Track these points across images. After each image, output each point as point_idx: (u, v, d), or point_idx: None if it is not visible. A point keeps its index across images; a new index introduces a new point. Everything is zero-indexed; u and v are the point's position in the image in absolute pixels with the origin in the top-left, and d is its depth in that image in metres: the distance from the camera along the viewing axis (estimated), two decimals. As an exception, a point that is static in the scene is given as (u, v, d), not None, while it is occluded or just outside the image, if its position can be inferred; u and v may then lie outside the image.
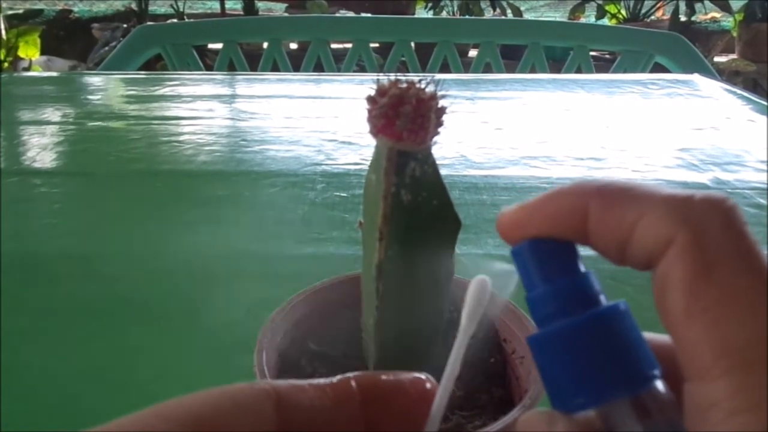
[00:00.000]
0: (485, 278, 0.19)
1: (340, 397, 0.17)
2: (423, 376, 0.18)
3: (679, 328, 0.16)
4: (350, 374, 0.18)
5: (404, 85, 0.23)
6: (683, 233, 0.16)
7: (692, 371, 0.15)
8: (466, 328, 0.19)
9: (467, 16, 3.49)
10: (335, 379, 0.17)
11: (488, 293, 0.19)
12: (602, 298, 0.18)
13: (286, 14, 3.79)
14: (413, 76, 0.24)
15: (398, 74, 0.24)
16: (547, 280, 0.18)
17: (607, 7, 3.89)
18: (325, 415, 0.17)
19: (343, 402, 0.17)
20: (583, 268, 0.18)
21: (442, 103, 0.23)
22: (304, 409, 0.16)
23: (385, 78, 0.23)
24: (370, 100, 0.23)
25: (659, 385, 0.17)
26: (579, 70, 1.44)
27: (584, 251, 0.19)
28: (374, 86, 0.23)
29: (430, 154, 0.25)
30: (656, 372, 0.17)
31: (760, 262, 0.15)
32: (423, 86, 0.23)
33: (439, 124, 0.24)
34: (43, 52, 3.37)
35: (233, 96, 1.13)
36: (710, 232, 0.16)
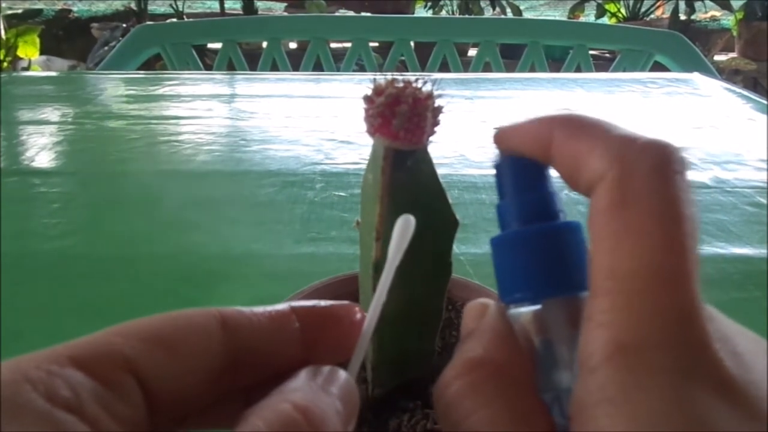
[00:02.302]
0: (410, 216, 0.21)
1: (279, 321, 0.19)
2: (356, 307, 0.20)
3: (590, 255, 0.17)
4: (289, 302, 0.20)
5: (401, 85, 0.23)
6: (614, 170, 0.17)
7: (589, 292, 0.17)
8: (392, 259, 0.20)
9: (466, 15, 3.49)
10: (276, 306, 0.19)
11: (412, 228, 0.21)
12: (561, 216, 0.20)
13: (285, 14, 3.78)
14: (410, 76, 0.24)
15: (395, 74, 0.24)
16: (515, 192, 0.20)
17: (606, 6, 3.89)
18: (265, 337, 0.19)
19: (282, 326, 0.19)
20: (550, 188, 0.20)
21: (438, 102, 0.23)
22: (246, 331, 0.18)
23: (382, 77, 0.23)
24: (367, 99, 0.23)
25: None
26: (578, 69, 1.44)
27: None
28: (371, 86, 0.23)
29: (426, 153, 0.25)
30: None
31: (674, 206, 0.16)
32: (420, 86, 0.23)
33: (436, 123, 0.24)
34: (42, 52, 3.37)
35: (232, 95, 1.13)
36: (637, 172, 0.17)
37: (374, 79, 0.23)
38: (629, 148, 0.17)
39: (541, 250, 0.19)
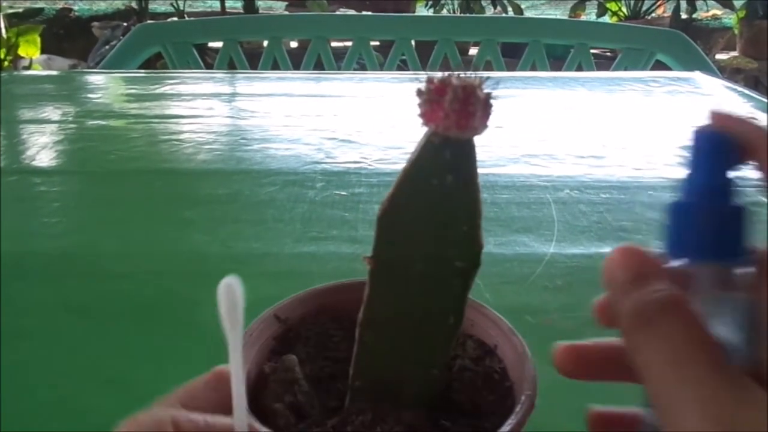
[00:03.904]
0: (232, 279, 0.21)
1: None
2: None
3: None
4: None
5: (451, 76, 0.23)
6: None
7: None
8: (233, 339, 0.21)
9: (467, 14, 3.48)
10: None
11: (240, 294, 0.21)
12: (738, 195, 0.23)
13: (286, 12, 3.78)
14: (463, 74, 0.23)
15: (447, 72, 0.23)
16: (710, 168, 0.23)
17: (607, 5, 3.88)
18: None
19: None
20: (734, 170, 0.23)
21: (491, 100, 0.23)
22: None
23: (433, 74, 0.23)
24: (419, 92, 0.23)
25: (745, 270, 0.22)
26: (580, 68, 1.44)
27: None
28: (422, 82, 0.23)
29: (471, 149, 0.24)
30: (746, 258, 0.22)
31: None
32: (472, 80, 0.23)
33: (486, 116, 0.23)
34: (43, 51, 3.36)
35: (233, 94, 1.13)
36: None
37: (426, 76, 0.23)
38: None
39: (717, 223, 0.22)
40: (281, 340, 0.31)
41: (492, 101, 0.23)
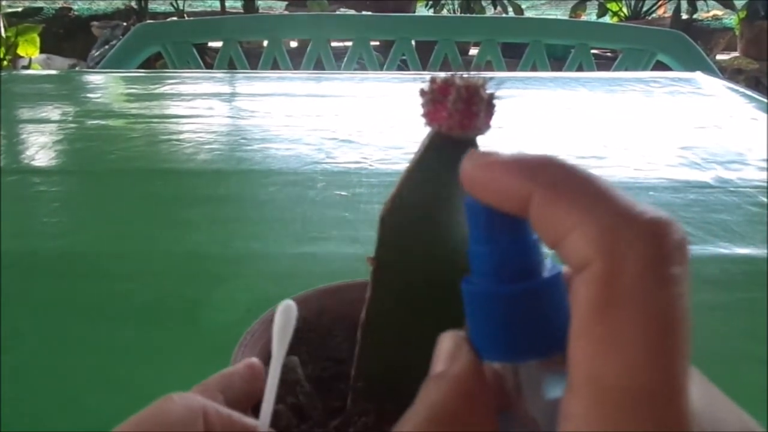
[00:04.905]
0: (291, 303, 0.22)
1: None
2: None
3: (569, 343, 0.16)
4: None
5: (455, 76, 0.23)
6: (599, 262, 0.15)
7: (567, 385, 0.16)
8: (277, 352, 0.23)
9: (468, 14, 3.48)
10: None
11: (294, 317, 0.22)
12: (542, 266, 0.18)
13: (286, 12, 3.78)
14: (466, 74, 0.23)
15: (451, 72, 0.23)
16: (491, 239, 0.18)
17: (608, 5, 3.88)
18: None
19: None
20: (528, 235, 0.18)
21: (495, 100, 0.23)
22: None
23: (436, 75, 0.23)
24: (422, 92, 0.23)
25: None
26: (580, 69, 1.44)
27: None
28: (425, 82, 0.23)
29: (475, 148, 0.24)
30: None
31: (666, 312, 0.15)
32: (475, 80, 0.23)
33: (490, 116, 0.23)
34: (42, 51, 3.36)
35: (233, 94, 1.13)
36: (627, 269, 0.15)
37: (430, 77, 0.23)
38: (620, 236, 0.15)
39: (521, 312, 0.18)
40: None
41: (495, 101, 0.23)
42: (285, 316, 0.24)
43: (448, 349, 0.19)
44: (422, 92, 0.23)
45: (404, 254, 0.25)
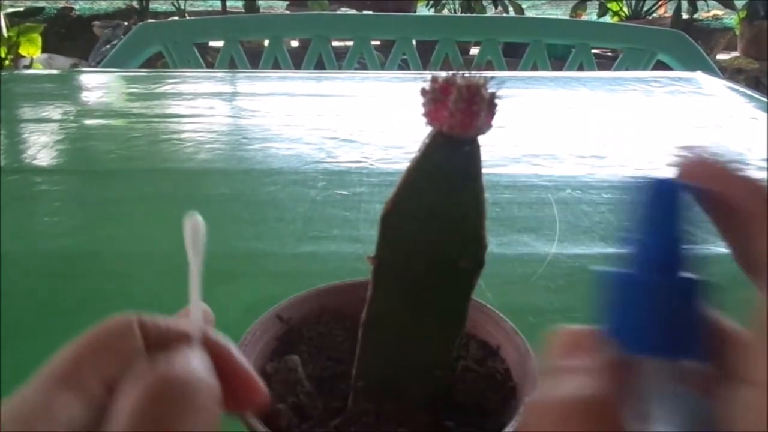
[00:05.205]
0: (196, 215, 0.23)
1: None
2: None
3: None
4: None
5: (456, 76, 0.23)
6: None
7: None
8: (193, 262, 0.24)
9: (468, 14, 3.48)
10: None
11: (201, 225, 0.23)
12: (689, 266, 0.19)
13: (287, 12, 3.78)
14: (467, 74, 0.23)
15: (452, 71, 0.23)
16: (661, 234, 0.19)
17: (609, 5, 3.88)
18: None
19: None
20: (685, 231, 0.19)
21: (496, 100, 0.23)
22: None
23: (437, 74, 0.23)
24: (423, 91, 0.23)
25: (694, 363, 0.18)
26: (581, 68, 1.44)
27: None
28: (426, 82, 0.23)
29: (476, 149, 0.24)
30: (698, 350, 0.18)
31: None
32: (476, 79, 0.23)
33: (491, 116, 0.23)
34: (44, 50, 3.36)
35: (234, 94, 1.13)
36: None
37: (431, 76, 0.23)
38: None
39: (667, 308, 0.19)
40: (283, 341, 0.30)
41: (496, 101, 0.23)
42: (193, 228, 0.25)
43: (569, 339, 0.20)
44: (423, 92, 0.23)
45: (405, 254, 0.25)
